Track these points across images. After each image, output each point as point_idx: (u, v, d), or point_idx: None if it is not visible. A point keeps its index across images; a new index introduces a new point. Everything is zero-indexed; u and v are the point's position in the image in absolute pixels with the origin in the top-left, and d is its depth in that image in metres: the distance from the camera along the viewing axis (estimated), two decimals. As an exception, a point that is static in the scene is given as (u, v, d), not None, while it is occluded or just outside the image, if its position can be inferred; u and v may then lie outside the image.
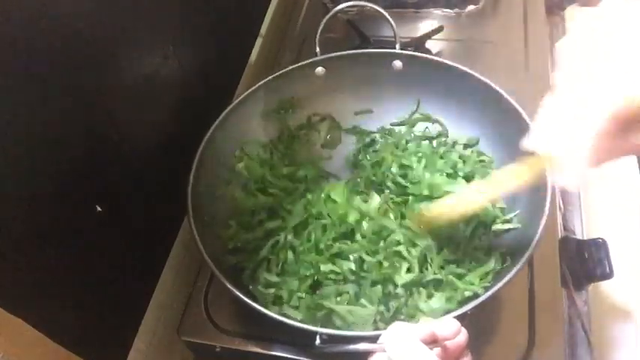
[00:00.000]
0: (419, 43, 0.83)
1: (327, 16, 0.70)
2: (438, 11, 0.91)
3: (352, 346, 0.44)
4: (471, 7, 0.90)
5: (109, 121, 0.54)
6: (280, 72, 0.68)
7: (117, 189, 0.56)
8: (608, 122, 0.35)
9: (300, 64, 0.69)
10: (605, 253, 0.61)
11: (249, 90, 0.67)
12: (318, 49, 0.70)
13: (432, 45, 0.84)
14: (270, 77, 0.68)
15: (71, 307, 0.51)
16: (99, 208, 0.52)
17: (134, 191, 0.58)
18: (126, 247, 0.58)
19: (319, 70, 0.70)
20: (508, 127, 0.60)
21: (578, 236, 0.68)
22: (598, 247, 0.62)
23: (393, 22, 0.70)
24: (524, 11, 0.87)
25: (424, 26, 0.88)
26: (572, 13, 0.95)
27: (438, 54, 0.83)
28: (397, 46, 0.70)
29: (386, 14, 0.70)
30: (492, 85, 0.63)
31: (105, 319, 0.55)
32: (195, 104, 0.68)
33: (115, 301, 0.57)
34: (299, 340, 0.56)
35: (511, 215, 0.60)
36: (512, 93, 0.61)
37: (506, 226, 0.60)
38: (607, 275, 0.60)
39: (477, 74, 0.64)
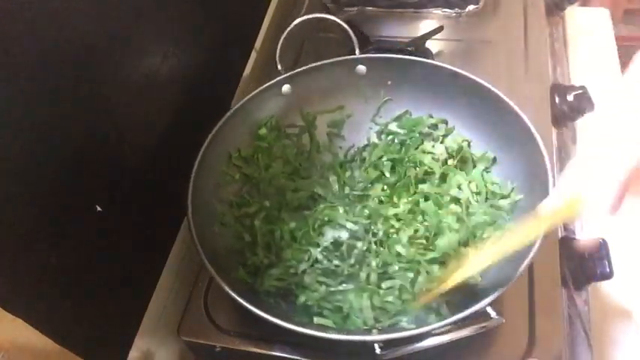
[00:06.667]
0: (419, 43, 0.83)
1: (286, 32, 0.70)
2: (438, 11, 0.91)
3: (419, 345, 0.43)
4: (470, 7, 0.90)
5: (109, 121, 0.54)
6: (246, 98, 0.67)
7: (117, 189, 0.56)
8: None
9: (264, 86, 0.69)
10: (605, 253, 0.61)
11: (223, 118, 0.65)
12: (280, 67, 0.70)
13: (432, 45, 0.84)
14: (237, 105, 0.67)
15: (71, 307, 0.51)
16: (99, 208, 0.52)
17: (134, 191, 0.58)
18: (126, 247, 0.58)
19: (285, 87, 0.70)
20: (484, 110, 0.64)
21: (578, 236, 0.68)
22: (598, 247, 0.62)
23: (349, 29, 0.70)
24: (524, 11, 0.87)
25: (424, 26, 0.88)
26: (572, 13, 0.95)
27: (438, 54, 0.83)
28: (357, 51, 0.70)
29: (342, 23, 0.70)
30: (447, 66, 0.64)
31: (105, 319, 0.55)
32: (195, 104, 0.68)
33: (115, 301, 0.57)
34: (310, 342, 0.55)
35: (509, 187, 0.61)
36: (509, 93, 0.62)
37: (508, 200, 0.61)
38: (607, 275, 0.60)
39: (440, 64, 0.65)
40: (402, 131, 0.70)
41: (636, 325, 0.65)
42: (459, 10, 0.90)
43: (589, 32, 0.93)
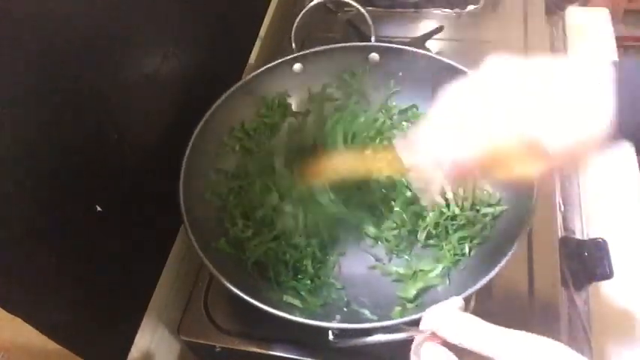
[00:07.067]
0: (419, 43, 0.83)
1: (302, 13, 0.70)
2: (437, 11, 0.91)
3: (370, 338, 0.42)
4: (470, 7, 0.90)
5: (109, 121, 0.54)
6: (257, 72, 0.68)
7: (117, 189, 0.56)
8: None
9: (276, 62, 0.69)
10: (605, 253, 0.61)
11: (231, 89, 0.66)
12: (294, 46, 0.70)
13: (432, 45, 0.84)
14: (246, 78, 0.67)
15: (71, 306, 0.51)
16: (99, 208, 0.52)
17: (134, 191, 0.58)
18: (126, 247, 0.58)
19: (297, 66, 0.70)
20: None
21: (578, 236, 0.68)
22: (598, 247, 0.62)
23: (368, 16, 0.70)
24: (524, 11, 0.87)
25: (424, 26, 0.88)
26: (572, 13, 0.95)
27: (438, 54, 0.83)
28: (373, 39, 0.70)
29: (363, 10, 0.70)
30: (459, 66, 0.64)
31: (105, 319, 0.55)
32: (195, 104, 0.68)
33: (115, 301, 0.57)
34: (309, 337, 0.56)
35: (497, 197, 0.61)
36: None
37: (498, 209, 0.60)
38: (607, 275, 0.60)
39: (454, 63, 0.65)
40: (406, 125, 0.70)
41: (636, 325, 0.65)
42: (459, 10, 0.90)
43: (589, 32, 0.93)
